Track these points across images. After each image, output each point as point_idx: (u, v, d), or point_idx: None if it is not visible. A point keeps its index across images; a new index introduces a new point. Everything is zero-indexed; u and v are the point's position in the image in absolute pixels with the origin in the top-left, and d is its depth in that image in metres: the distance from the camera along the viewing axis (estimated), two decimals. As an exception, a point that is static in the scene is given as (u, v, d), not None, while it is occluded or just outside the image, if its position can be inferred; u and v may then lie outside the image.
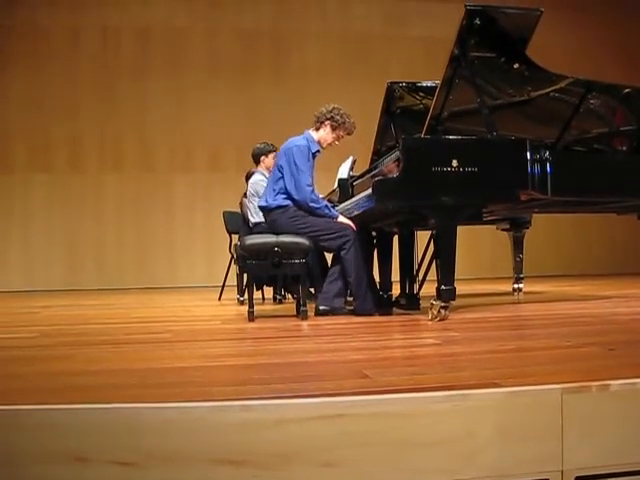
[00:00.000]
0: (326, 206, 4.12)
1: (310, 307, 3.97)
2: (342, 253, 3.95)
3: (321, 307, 4.03)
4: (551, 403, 1.52)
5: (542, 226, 8.14)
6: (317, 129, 4.25)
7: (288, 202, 4.10)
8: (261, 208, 4.30)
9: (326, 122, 4.20)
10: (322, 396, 1.53)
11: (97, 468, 1.38)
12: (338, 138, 4.26)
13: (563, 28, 9.71)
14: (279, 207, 4.11)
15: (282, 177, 4.13)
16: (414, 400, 1.51)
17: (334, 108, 4.21)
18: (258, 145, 5.75)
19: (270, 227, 4.19)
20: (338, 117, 4.18)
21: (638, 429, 1.55)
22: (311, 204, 4.04)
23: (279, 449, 1.41)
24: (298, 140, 4.21)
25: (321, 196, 5.29)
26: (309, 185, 4.06)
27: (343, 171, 4.84)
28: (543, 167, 3.62)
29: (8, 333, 3.44)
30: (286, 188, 4.09)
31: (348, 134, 4.27)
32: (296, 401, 1.49)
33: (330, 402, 1.49)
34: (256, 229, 5.13)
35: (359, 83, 9.39)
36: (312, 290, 4.76)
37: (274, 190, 4.15)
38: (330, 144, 4.27)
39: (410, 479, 1.45)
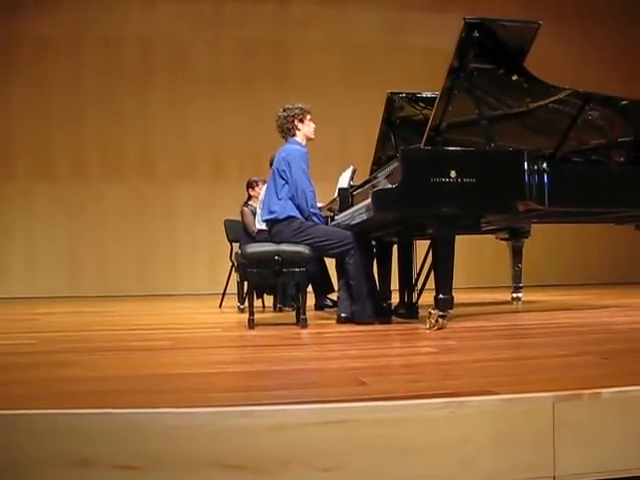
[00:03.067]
0: (319, 216, 4.20)
1: (310, 315, 4.00)
2: (346, 259, 3.99)
3: (343, 314, 4.09)
4: (543, 411, 1.55)
5: (541, 236, 8.15)
6: (294, 135, 4.27)
7: (296, 212, 4.07)
8: (267, 221, 4.20)
9: (295, 122, 4.25)
10: (321, 402, 1.56)
11: (100, 472, 1.41)
12: (311, 121, 4.30)
13: (563, 40, 9.77)
14: (288, 218, 4.05)
15: (286, 183, 4.10)
16: (411, 407, 1.54)
17: (285, 109, 4.28)
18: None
19: (272, 238, 4.11)
20: (296, 111, 4.25)
21: (629, 436, 1.58)
22: (311, 210, 4.09)
23: (278, 454, 1.45)
24: (293, 146, 4.22)
25: (321, 205, 5.31)
26: (312, 191, 4.10)
27: (343, 181, 4.88)
28: (541, 178, 3.65)
29: (10, 339, 3.47)
30: (291, 194, 4.08)
31: (309, 113, 4.31)
32: (295, 407, 1.53)
33: (328, 408, 1.52)
34: (259, 236, 5.13)
35: (361, 93, 9.42)
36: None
37: (280, 198, 4.09)
38: (313, 132, 4.32)
39: (406, 484, 1.48)
